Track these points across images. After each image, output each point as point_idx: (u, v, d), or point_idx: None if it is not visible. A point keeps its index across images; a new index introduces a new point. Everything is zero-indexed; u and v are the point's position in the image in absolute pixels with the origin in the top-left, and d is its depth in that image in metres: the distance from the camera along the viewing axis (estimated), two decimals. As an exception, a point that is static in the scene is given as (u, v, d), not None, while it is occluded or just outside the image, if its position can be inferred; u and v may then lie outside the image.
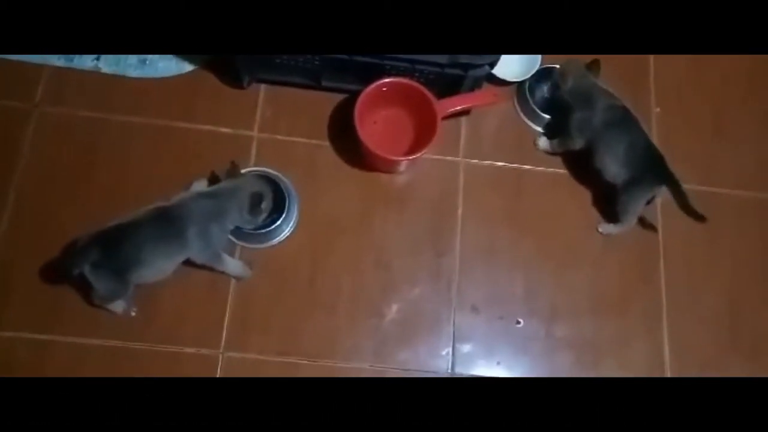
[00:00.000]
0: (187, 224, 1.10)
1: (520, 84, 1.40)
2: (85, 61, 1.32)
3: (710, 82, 1.49)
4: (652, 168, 1.24)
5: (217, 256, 1.17)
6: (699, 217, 1.22)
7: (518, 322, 1.28)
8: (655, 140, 1.29)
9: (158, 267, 1.11)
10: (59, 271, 1.11)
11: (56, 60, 1.31)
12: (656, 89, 1.46)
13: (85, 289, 1.14)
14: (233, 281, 1.23)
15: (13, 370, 1.14)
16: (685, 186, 1.22)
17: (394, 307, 1.26)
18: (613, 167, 1.27)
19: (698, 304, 1.32)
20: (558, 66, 1.35)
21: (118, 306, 1.16)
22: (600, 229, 1.33)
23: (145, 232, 1.08)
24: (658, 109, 1.45)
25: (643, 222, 1.34)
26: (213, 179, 1.25)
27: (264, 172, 1.28)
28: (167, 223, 1.10)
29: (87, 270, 1.05)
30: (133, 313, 1.19)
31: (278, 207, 1.25)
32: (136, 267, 1.08)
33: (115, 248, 1.06)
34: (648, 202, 1.29)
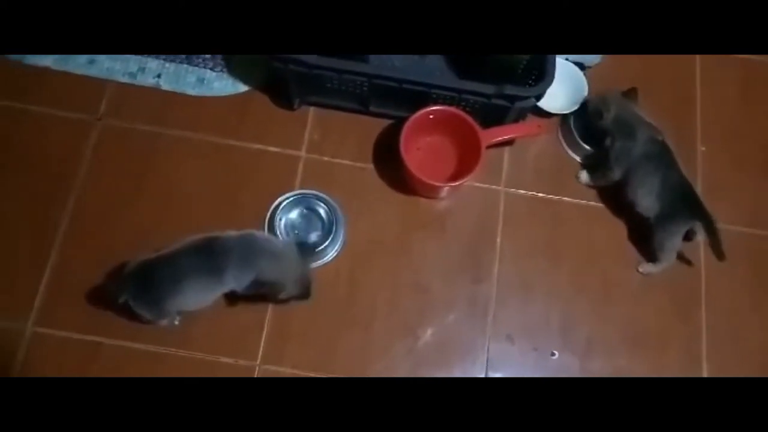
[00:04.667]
0: (226, 262, 1.10)
1: (565, 116, 1.41)
2: (147, 78, 1.39)
3: (758, 120, 1.47)
4: (684, 203, 1.24)
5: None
6: (720, 254, 1.21)
7: (553, 354, 1.27)
8: (699, 179, 1.28)
9: (196, 299, 1.13)
10: (108, 296, 1.14)
11: (120, 76, 1.39)
12: (702, 127, 1.45)
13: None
14: (272, 295, 1.26)
15: (63, 370, 1.19)
16: (731, 227, 1.21)
17: (429, 331, 1.27)
18: (646, 200, 1.27)
19: (740, 347, 1.29)
20: (592, 96, 1.35)
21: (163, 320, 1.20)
22: (641, 270, 1.32)
23: (184, 264, 1.09)
24: (703, 148, 1.43)
25: (683, 261, 1.33)
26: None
27: (314, 194, 1.31)
28: (208, 257, 1.10)
29: (129, 300, 1.09)
30: (177, 323, 1.22)
31: (325, 232, 1.29)
32: (174, 298, 1.10)
33: (152, 281, 1.08)
34: (688, 239, 1.28)
